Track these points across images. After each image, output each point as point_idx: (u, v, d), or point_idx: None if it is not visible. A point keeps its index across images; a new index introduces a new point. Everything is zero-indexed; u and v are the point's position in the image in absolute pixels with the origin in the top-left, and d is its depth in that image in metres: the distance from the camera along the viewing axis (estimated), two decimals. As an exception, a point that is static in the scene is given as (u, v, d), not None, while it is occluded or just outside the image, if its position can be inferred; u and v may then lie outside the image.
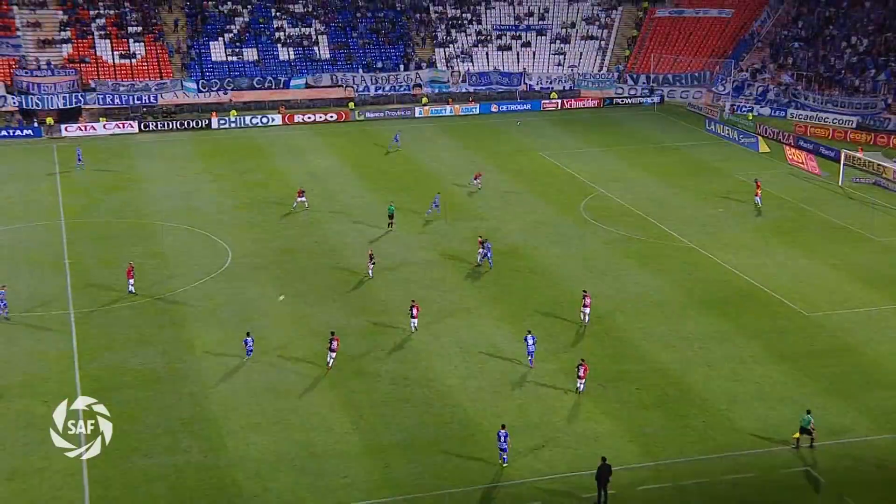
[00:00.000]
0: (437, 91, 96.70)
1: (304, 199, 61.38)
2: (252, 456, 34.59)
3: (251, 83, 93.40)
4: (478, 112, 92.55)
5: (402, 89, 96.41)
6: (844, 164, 67.87)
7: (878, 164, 67.09)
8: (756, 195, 62.36)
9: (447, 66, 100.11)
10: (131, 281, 48.03)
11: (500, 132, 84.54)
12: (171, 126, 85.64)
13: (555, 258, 53.07)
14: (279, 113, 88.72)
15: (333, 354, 40.26)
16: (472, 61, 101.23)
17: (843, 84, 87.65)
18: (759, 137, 78.32)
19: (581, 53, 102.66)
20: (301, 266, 52.14)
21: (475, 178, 66.16)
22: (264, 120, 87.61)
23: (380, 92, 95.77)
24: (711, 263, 52.13)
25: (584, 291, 44.84)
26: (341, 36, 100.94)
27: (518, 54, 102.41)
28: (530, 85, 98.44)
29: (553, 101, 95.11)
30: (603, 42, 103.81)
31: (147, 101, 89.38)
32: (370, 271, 50.07)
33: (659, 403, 37.79)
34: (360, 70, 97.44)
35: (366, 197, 64.62)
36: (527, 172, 70.30)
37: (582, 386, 38.35)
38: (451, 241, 55.98)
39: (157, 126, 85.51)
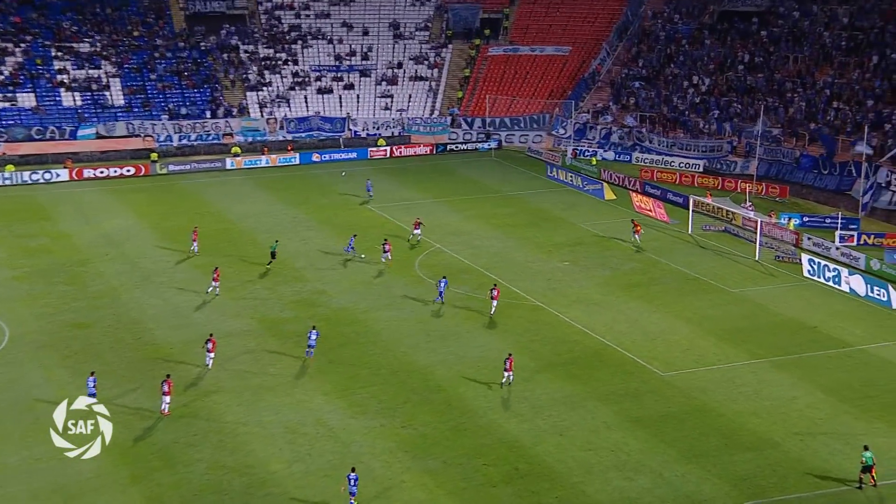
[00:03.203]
0: (250, 140, 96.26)
1: (196, 242, 64.06)
2: (39, 570, 32.83)
3: (29, 133, 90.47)
4: (298, 162, 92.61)
5: (210, 138, 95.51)
6: (693, 211, 71.50)
7: (727, 211, 70.97)
8: (636, 233, 66.47)
9: (261, 111, 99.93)
10: None
11: (323, 184, 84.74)
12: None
13: (388, 322, 53.31)
14: (65, 167, 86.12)
15: (167, 398, 41.75)
16: (289, 106, 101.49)
17: (687, 126, 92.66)
18: (605, 184, 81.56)
19: (410, 96, 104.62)
20: (96, 343, 50.39)
21: (415, 228, 67.54)
22: (47, 176, 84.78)
23: (185, 142, 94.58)
24: (559, 322, 53.57)
25: (494, 286, 52.68)
26: (137, 79, 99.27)
27: (341, 97, 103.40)
28: (355, 131, 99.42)
29: (381, 148, 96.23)
30: (433, 83, 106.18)
31: None
32: (215, 289, 56.28)
33: (508, 479, 38.28)
34: (162, 118, 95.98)
35: (170, 260, 63.33)
36: (354, 227, 70.55)
37: (510, 377, 45.30)
38: (272, 307, 55.46)
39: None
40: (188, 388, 45.34)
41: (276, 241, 63.28)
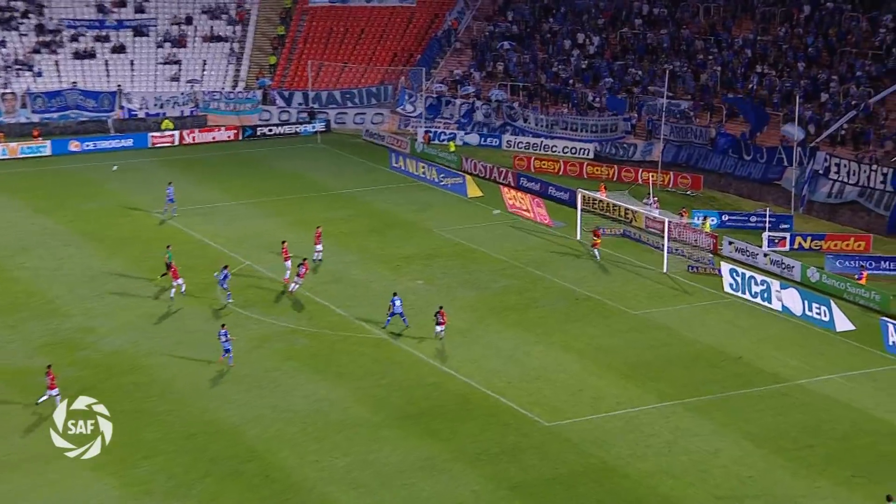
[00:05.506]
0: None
1: None
2: None
3: None
4: (49, 153, 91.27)
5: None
6: (583, 210, 72.77)
7: (626, 209, 72.44)
8: (595, 246, 66.92)
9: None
10: None
11: (88, 182, 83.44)
12: None
13: (181, 367, 52.68)
14: None
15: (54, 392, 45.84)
16: (33, 75, 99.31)
17: (572, 99, 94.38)
18: (467, 176, 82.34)
19: (205, 62, 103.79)
20: None
21: (316, 243, 66.36)
22: None
23: None
24: (411, 360, 53.84)
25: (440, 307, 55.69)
26: None
27: (108, 64, 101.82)
28: (130, 110, 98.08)
29: (166, 133, 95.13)
30: (236, 45, 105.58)
31: None
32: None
33: (348, 573, 38.27)
34: None
35: None
36: (130, 242, 69.49)
37: (441, 332, 54.55)
38: (14, 353, 54.29)
39: None
40: None
41: (168, 247, 63.47)
